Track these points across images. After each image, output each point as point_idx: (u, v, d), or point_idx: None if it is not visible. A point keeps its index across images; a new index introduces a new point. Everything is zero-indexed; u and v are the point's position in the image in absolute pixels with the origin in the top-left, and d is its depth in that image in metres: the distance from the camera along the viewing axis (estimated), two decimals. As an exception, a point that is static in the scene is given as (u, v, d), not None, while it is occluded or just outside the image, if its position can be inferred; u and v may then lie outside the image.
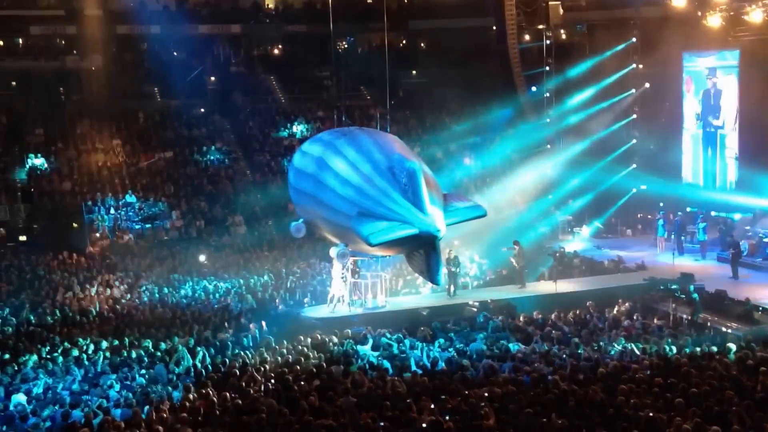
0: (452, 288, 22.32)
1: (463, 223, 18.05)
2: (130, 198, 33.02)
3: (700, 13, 28.17)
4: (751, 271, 23.97)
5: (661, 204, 29.17)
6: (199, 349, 17.08)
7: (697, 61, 30.28)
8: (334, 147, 18.15)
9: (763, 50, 26.58)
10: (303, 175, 18.95)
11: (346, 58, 41.40)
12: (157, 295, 23.25)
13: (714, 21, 27.87)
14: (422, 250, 16.74)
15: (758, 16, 26.04)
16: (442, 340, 17.15)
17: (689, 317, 19.87)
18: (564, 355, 15.90)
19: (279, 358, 16.30)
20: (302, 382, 14.16)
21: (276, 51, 44.55)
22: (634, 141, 31.85)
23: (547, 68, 34.44)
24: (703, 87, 30.01)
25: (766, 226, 25.57)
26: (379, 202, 16.36)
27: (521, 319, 19.25)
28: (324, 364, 15.53)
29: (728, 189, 29.05)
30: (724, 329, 19.11)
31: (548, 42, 34.66)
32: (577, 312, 19.66)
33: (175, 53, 41.77)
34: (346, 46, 43.31)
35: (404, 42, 43.32)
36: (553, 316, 19.37)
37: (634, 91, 32.09)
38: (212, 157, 36.47)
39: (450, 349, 16.67)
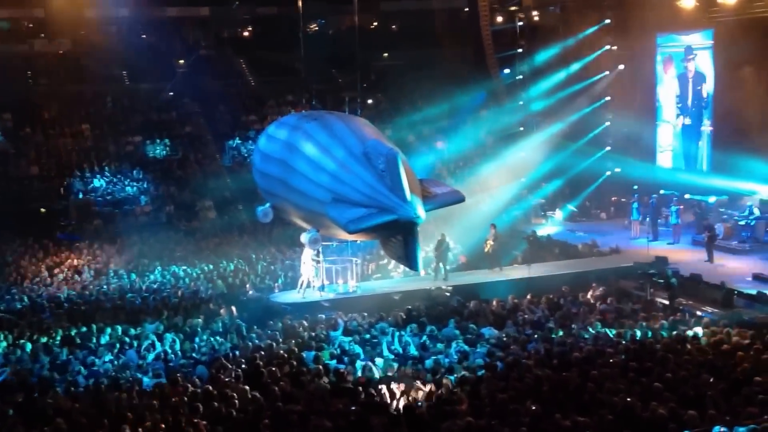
0: (441, 271, 22.30)
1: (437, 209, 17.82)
2: (99, 182, 32.47)
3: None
4: (726, 254, 23.92)
5: (636, 187, 29.06)
6: (168, 335, 16.79)
7: (676, 41, 30.09)
8: (305, 131, 17.80)
9: (737, 31, 26.45)
10: (270, 159, 18.57)
11: (316, 41, 40.92)
12: (126, 281, 22.87)
13: (688, 2, 27.72)
14: (400, 237, 16.48)
15: (732, -2, 25.95)
16: (414, 325, 16.92)
17: (666, 301, 19.80)
18: (537, 339, 15.75)
19: (249, 344, 16.04)
20: (273, 368, 13.90)
21: (245, 33, 43.98)
22: (608, 123, 31.74)
23: (520, 50, 34.26)
24: (680, 69, 29.92)
25: (741, 209, 25.50)
26: (355, 188, 16.07)
27: (494, 303, 19.07)
28: (295, 349, 15.31)
29: (703, 172, 28.91)
30: (699, 313, 19.04)
31: (521, 23, 34.47)
32: (551, 296, 19.50)
33: (143, 36, 41.13)
34: (316, 28, 42.81)
35: (375, 24, 42.94)
36: (526, 300, 19.21)
37: (608, 72, 31.92)
38: (181, 142, 35.96)
39: (422, 335, 16.45)
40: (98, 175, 32.80)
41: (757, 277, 21.13)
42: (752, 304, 18.97)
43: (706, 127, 28.95)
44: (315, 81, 38.95)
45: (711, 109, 28.66)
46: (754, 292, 19.70)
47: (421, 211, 15.82)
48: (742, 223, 24.95)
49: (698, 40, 28.92)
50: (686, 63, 29.49)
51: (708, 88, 28.66)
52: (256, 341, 16.41)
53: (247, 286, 22.04)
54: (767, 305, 18.63)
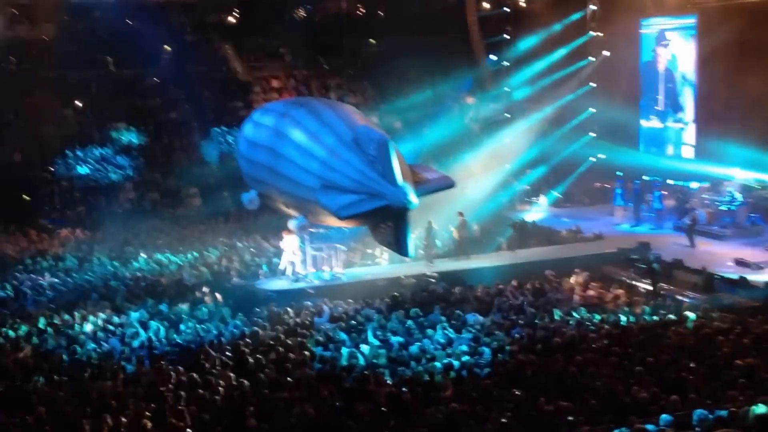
0: (431, 256, 22.49)
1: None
2: (83, 169, 32.30)
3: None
4: (708, 240, 24.13)
5: (619, 173, 29.25)
6: (153, 322, 16.80)
7: (660, 25, 30.25)
8: (292, 118, 17.74)
9: (722, 16, 26.61)
10: (257, 146, 18.50)
11: (303, 27, 40.71)
12: (110, 268, 22.81)
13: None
14: (391, 223, 16.50)
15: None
16: (400, 312, 17.01)
17: (649, 287, 19.97)
18: (521, 324, 15.88)
19: (235, 331, 16.08)
20: (258, 355, 13.96)
21: (231, 19, 43.65)
22: (593, 110, 31.86)
23: (507, 36, 34.25)
24: (665, 54, 30.10)
25: (723, 195, 25.70)
26: (346, 175, 16.03)
27: (479, 289, 19.18)
28: (281, 336, 15.36)
29: (686, 158, 29.21)
30: (680, 298, 19.23)
31: (507, 10, 34.43)
32: (536, 282, 19.63)
33: (128, 22, 40.72)
34: (304, 14, 42.57)
35: (362, 10, 42.73)
36: (510, 286, 19.32)
37: (593, 59, 31.99)
38: (166, 128, 35.77)
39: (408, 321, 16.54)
40: (82, 162, 32.60)
41: (739, 262, 21.35)
42: (733, 289, 19.15)
43: (689, 113, 29.20)
44: (301, 67, 38.74)
45: (694, 95, 28.89)
46: (735, 276, 19.90)
47: (413, 196, 15.85)
48: (724, 208, 25.16)
49: (682, 24, 29.10)
50: (664, 48, 29.71)
51: (691, 73, 28.88)
52: (242, 328, 16.45)
53: (233, 273, 22.03)
54: (748, 290, 18.83)
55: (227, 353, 14.41)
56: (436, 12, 39.34)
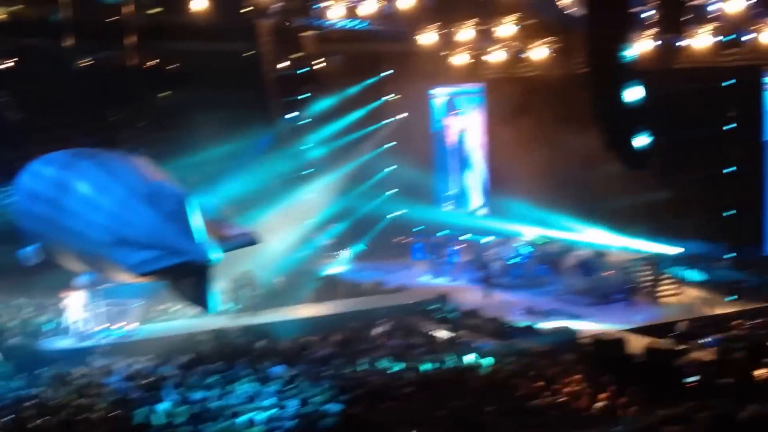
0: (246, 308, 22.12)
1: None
2: None
3: (446, 52, 29.66)
4: (501, 290, 25.26)
5: (419, 228, 30.29)
6: None
7: (451, 92, 32.15)
8: (78, 169, 16.67)
9: (505, 87, 28.67)
10: (37, 199, 17.15)
11: (89, 76, 39.06)
12: None
13: (459, 59, 29.50)
14: (192, 279, 15.87)
15: (499, 56, 27.88)
16: (201, 367, 16.37)
17: (447, 335, 20.53)
18: (327, 375, 15.77)
19: (17, 393, 14.80)
20: (43, 419, 12.88)
21: (8, 66, 41.11)
22: (393, 167, 32.83)
23: (305, 96, 34.67)
24: (456, 120, 32.05)
25: (513, 249, 27.18)
26: (142, 230, 15.26)
27: (285, 342, 18.91)
28: (69, 397, 14.30)
29: (478, 214, 31.01)
30: (478, 345, 19.86)
31: (305, 70, 34.93)
32: (341, 334, 19.62)
33: None
34: (92, 63, 40.94)
35: (158, 62, 41.82)
36: (316, 338, 19.20)
37: (391, 120, 33.14)
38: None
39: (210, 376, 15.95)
40: None
41: (528, 311, 22.52)
42: (525, 335, 20.07)
43: (480, 174, 31.06)
44: (90, 117, 37.03)
45: (484, 158, 30.91)
46: (525, 324, 20.89)
47: (214, 252, 15.39)
48: (514, 261, 26.55)
49: (470, 93, 31.20)
50: (456, 115, 31.71)
51: (479, 138, 31.03)
52: (25, 390, 15.17)
53: (13, 331, 20.32)
54: (537, 336, 19.83)
55: (7, 417, 13.18)
56: (235, 67, 39.22)
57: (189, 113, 36.91)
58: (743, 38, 21.79)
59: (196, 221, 15.13)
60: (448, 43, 28.20)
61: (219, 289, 20.51)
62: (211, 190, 32.43)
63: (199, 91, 36.89)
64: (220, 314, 21.73)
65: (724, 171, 23.50)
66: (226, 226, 17.48)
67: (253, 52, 34.48)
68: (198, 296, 15.99)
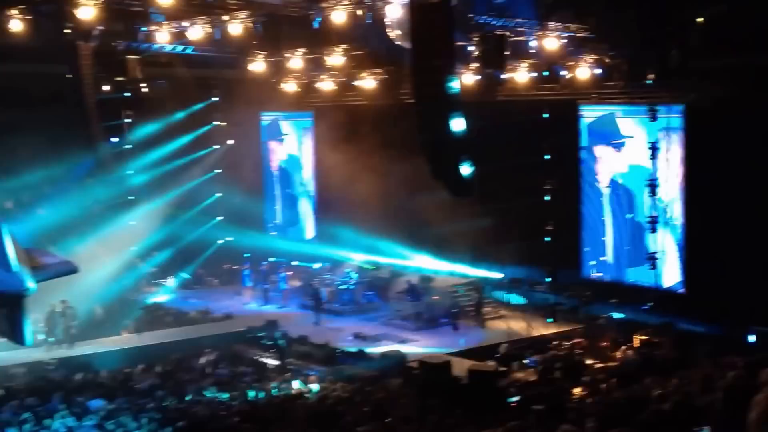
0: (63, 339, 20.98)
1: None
2: None
3: (276, 79, 29.71)
4: (330, 317, 25.38)
5: (247, 255, 29.93)
6: None
7: (276, 120, 32.29)
8: None
9: (334, 115, 29.06)
10: None
11: None
12: None
13: (289, 87, 29.61)
14: (5, 310, 14.87)
15: (329, 85, 28.22)
16: (14, 402, 15.37)
17: (277, 362, 20.35)
18: (150, 407, 15.21)
19: None
20: None
21: None
22: (220, 194, 32.35)
23: (129, 120, 33.53)
24: (283, 148, 32.26)
25: (342, 275, 27.40)
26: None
27: (104, 374, 18.08)
28: None
29: (308, 240, 31.17)
30: (306, 371, 19.82)
31: (129, 95, 33.77)
32: (164, 364, 19.00)
33: None
34: None
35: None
36: (139, 369, 18.49)
37: (218, 146, 32.67)
38: None
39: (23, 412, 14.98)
40: None
41: (357, 336, 22.75)
42: (353, 361, 20.24)
43: (309, 199, 31.33)
44: None
45: (314, 184, 31.16)
46: (355, 349, 21.11)
47: (29, 282, 14.51)
48: (343, 287, 26.76)
49: (300, 119, 31.50)
50: (279, 144, 31.94)
51: (310, 164, 31.20)
52: None
53: None
54: (366, 361, 20.06)
55: None
56: (55, 90, 37.49)
57: (4, 136, 34.80)
58: (561, 73, 23.06)
59: (10, 250, 14.25)
60: (278, 71, 28.19)
61: (34, 320, 19.51)
62: (27, 217, 30.92)
63: (15, 114, 34.95)
64: (35, 346, 20.61)
65: (544, 198, 24.65)
66: (42, 254, 16.61)
67: (74, 74, 33.05)
68: (11, 328, 15.05)
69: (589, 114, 24.11)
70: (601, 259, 24.00)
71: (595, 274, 24.19)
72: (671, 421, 8.08)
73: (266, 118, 32.85)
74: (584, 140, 24.22)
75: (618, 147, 23.43)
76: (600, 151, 23.93)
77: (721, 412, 4.18)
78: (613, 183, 23.71)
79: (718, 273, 20.26)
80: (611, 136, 23.55)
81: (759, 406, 3.16)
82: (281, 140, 32.57)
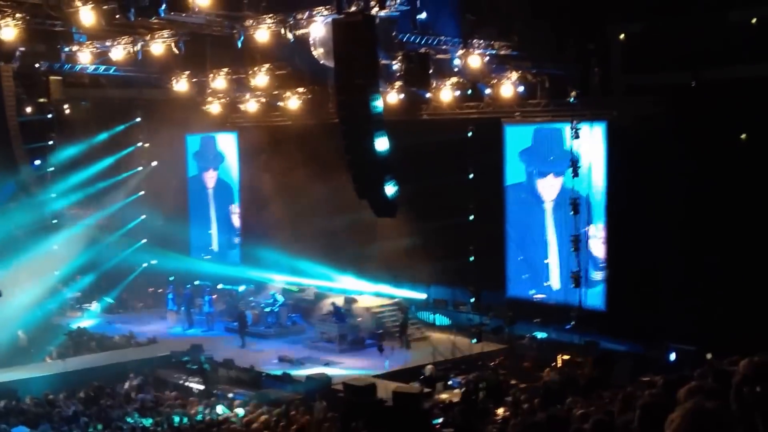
0: None
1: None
2: None
3: (200, 99, 29.56)
4: (256, 339, 25.23)
5: (172, 278, 29.62)
6: None
7: (200, 140, 32.27)
8: None
9: (257, 135, 29.17)
10: None
11: None
12: None
13: (214, 107, 29.47)
14: None
15: (253, 106, 28.19)
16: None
17: (201, 386, 20.15)
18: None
19: None
20: None
21: None
22: (144, 217, 31.94)
23: (51, 142, 32.88)
24: (211, 168, 32.25)
25: (267, 297, 27.33)
26: None
27: (28, 400, 17.70)
28: None
29: (233, 263, 30.98)
30: (231, 395, 19.69)
31: (51, 116, 33.14)
32: (88, 390, 18.68)
33: None
34: None
35: None
36: (62, 395, 18.13)
37: (141, 168, 32.28)
38: None
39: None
40: None
41: (282, 359, 22.78)
42: (278, 384, 20.25)
43: (235, 221, 31.35)
44: None
45: (239, 205, 31.17)
46: (280, 372, 21.10)
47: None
48: (268, 310, 26.71)
49: (226, 140, 31.46)
50: (210, 163, 32.06)
51: (234, 185, 31.28)
52: None
53: None
54: (291, 384, 20.08)
55: None
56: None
57: None
58: (485, 91, 23.09)
59: None
60: (202, 91, 28.05)
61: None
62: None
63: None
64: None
65: (468, 218, 24.68)
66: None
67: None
68: None
69: (514, 132, 24.09)
70: (545, 284, 23.63)
71: (537, 296, 23.77)
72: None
73: (191, 139, 32.65)
74: (522, 160, 24.07)
75: (555, 166, 23.22)
76: (539, 171, 23.79)
77: (637, 431, 4.39)
78: (555, 202, 23.46)
79: (639, 291, 20.62)
80: (548, 155, 23.43)
81: (674, 424, 3.37)
82: (206, 161, 32.36)
